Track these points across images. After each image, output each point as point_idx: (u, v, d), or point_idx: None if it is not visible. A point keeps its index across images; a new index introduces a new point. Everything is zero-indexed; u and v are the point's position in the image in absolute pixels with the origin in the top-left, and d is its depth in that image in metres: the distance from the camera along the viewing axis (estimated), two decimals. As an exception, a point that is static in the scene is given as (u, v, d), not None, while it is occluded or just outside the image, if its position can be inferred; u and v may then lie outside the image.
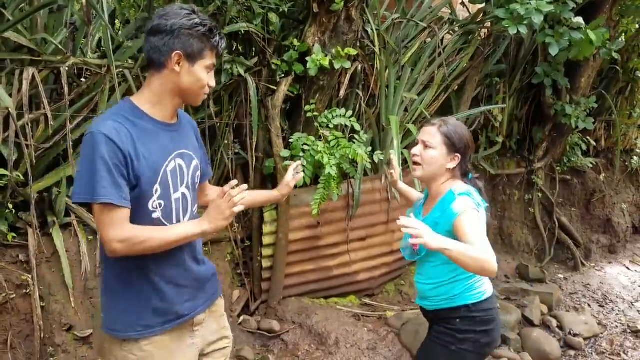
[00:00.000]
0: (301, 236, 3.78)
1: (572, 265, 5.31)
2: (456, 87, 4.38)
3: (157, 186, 1.71)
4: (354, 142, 3.48)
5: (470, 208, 2.00)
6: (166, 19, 1.68)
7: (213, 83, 1.80)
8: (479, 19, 4.26)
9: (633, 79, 5.44)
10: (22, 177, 2.76)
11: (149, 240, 1.64)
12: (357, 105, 3.83)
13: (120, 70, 2.99)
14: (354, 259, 4.02)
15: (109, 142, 1.59)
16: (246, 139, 3.56)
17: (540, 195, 5.27)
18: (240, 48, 3.53)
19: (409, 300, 4.29)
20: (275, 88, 3.51)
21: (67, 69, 2.69)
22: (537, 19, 3.54)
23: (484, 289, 2.21)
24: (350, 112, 3.54)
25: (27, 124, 2.66)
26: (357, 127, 3.53)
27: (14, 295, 2.81)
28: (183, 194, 1.82)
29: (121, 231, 1.60)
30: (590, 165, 5.51)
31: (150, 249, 1.66)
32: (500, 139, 4.81)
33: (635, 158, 5.86)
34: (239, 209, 1.70)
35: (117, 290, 1.78)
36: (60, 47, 2.79)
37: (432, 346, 2.26)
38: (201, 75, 1.73)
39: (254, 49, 3.56)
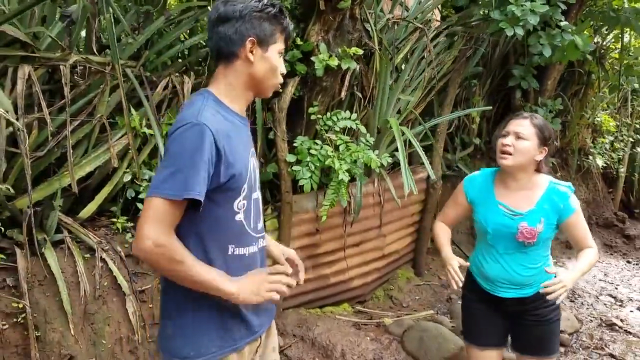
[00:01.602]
0: (300, 244, 3.61)
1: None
2: (438, 89, 4.39)
3: (245, 185, 1.57)
4: (359, 145, 3.36)
5: (578, 204, 2.27)
6: (233, 4, 1.55)
7: (284, 70, 1.66)
8: (465, 21, 4.28)
9: (588, 81, 5.75)
10: (12, 190, 2.39)
11: (182, 264, 1.43)
12: (355, 107, 3.71)
13: (122, 68, 2.67)
14: (350, 265, 3.91)
15: (207, 134, 1.43)
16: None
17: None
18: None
19: (400, 304, 4.24)
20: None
21: (69, 67, 2.34)
22: (533, 20, 3.61)
23: None
24: (355, 115, 3.42)
25: (22, 129, 2.29)
26: (363, 130, 3.42)
27: (6, 326, 2.43)
28: (259, 195, 1.69)
29: (164, 234, 1.40)
30: (550, 165, 5.75)
31: (173, 273, 1.45)
32: (476, 141, 4.89)
33: (591, 157, 6.22)
34: (275, 297, 1.57)
35: (187, 309, 1.57)
36: (59, 42, 2.43)
37: (545, 335, 2.36)
38: (276, 62, 1.60)
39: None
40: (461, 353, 3.56)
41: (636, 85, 6.10)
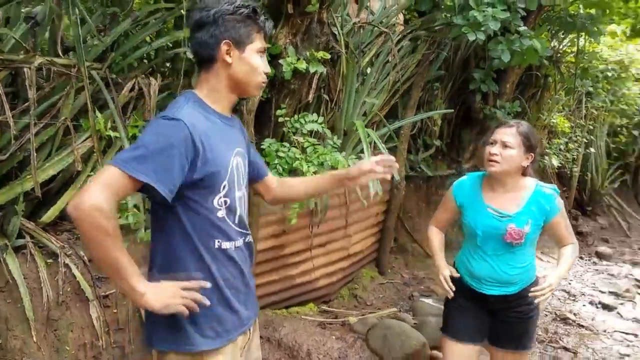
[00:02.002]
0: (266, 246, 3.63)
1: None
2: (402, 92, 4.48)
3: (225, 182, 1.60)
4: (326, 148, 3.40)
5: (563, 205, 2.40)
6: (207, 10, 1.60)
7: (268, 69, 1.70)
8: (428, 26, 4.37)
9: (545, 84, 5.95)
10: (-29, 195, 2.33)
11: (108, 238, 1.39)
12: (322, 110, 3.75)
13: (88, 70, 2.62)
14: (316, 265, 3.96)
15: (183, 129, 1.47)
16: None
17: (467, 194, 5.57)
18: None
19: (364, 303, 4.32)
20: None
21: (33, 69, 2.29)
22: (494, 26, 3.73)
23: None
24: (321, 118, 3.46)
25: (-18, 133, 2.24)
26: (329, 133, 3.46)
27: (-36, 335, 2.37)
28: (244, 194, 1.72)
29: (105, 201, 1.37)
30: (537, 168, 5.94)
31: (95, 243, 1.40)
32: (438, 142, 5.00)
33: (547, 158, 6.45)
34: (183, 310, 1.52)
35: None
36: (23, 44, 2.38)
37: (523, 332, 2.46)
38: (254, 61, 1.63)
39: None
40: (423, 349, 3.66)
41: (590, 88, 6.36)
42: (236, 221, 1.67)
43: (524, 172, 2.40)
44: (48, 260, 2.67)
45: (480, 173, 2.53)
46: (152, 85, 2.99)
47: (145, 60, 3.13)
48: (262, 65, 1.65)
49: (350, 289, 4.38)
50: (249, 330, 1.77)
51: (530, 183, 2.40)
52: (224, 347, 1.64)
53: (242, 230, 1.71)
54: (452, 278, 2.55)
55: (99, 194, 1.37)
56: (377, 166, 1.88)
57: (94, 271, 2.86)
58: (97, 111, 2.77)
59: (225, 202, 1.61)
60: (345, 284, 4.37)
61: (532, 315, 2.45)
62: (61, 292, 2.65)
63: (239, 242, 1.69)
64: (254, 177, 1.88)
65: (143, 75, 3.00)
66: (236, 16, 1.59)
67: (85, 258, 2.84)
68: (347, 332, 3.81)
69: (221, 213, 1.60)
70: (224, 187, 1.60)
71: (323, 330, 3.77)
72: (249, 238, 1.76)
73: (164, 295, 1.49)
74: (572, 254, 2.41)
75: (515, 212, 2.37)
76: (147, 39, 2.98)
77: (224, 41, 1.57)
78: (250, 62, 1.62)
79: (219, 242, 1.61)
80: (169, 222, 1.57)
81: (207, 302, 1.58)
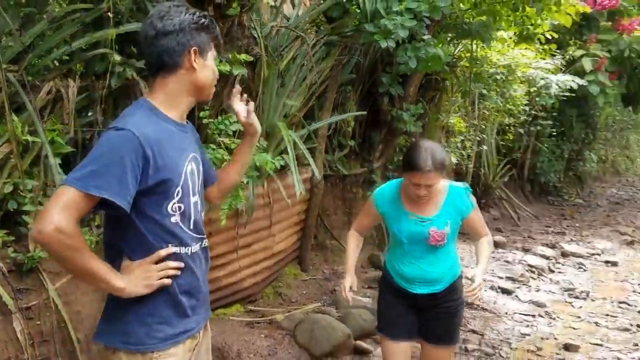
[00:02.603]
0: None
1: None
2: (318, 94, 4.64)
3: (178, 188, 1.64)
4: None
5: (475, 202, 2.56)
6: (170, 19, 1.65)
7: (217, 74, 1.79)
8: (340, 31, 4.57)
9: (442, 88, 6.41)
10: None
11: (79, 253, 1.48)
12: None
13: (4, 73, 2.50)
14: (241, 266, 4.00)
15: (133, 140, 1.51)
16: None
17: (379, 191, 5.87)
18: (134, 50, 3.22)
19: (289, 300, 4.42)
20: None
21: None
22: (403, 33, 3.99)
23: None
24: (245, 119, 3.51)
25: None
26: (254, 134, 3.52)
27: None
28: (198, 199, 1.75)
29: (68, 222, 1.44)
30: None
31: (68, 260, 1.49)
32: (351, 143, 5.23)
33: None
34: (167, 282, 1.63)
35: (131, 299, 1.61)
36: None
37: (450, 327, 2.60)
38: (214, 67, 1.74)
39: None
40: (348, 340, 3.83)
41: (484, 90, 6.93)
42: (191, 226, 1.70)
43: None
44: (-36, 274, 2.51)
45: (398, 180, 2.62)
46: (71, 88, 2.90)
47: (63, 62, 3.01)
48: (217, 71, 1.77)
49: (275, 287, 4.46)
50: (199, 333, 1.81)
51: (444, 185, 2.53)
52: (172, 348, 1.67)
53: (198, 236, 1.75)
54: (384, 277, 2.72)
55: (59, 217, 1.42)
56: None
57: (13, 282, 2.72)
58: (13, 115, 2.64)
59: (179, 207, 1.64)
60: (270, 283, 4.44)
61: (458, 310, 2.60)
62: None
63: (195, 247, 1.73)
64: (207, 181, 1.91)
65: (61, 77, 2.89)
66: (199, 25, 1.67)
67: (4, 269, 2.69)
68: (274, 329, 3.89)
69: (175, 219, 1.64)
70: (178, 193, 1.63)
71: (251, 330, 3.82)
72: (205, 243, 1.80)
73: (141, 279, 1.59)
74: (488, 246, 2.57)
75: (435, 215, 2.50)
76: (65, 40, 2.87)
77: (192, 48, 1.64)
78: (212, 67, 1.72)
79: (171, 246, 1.65)
80: (124, 230, 1.61)
81: (182, 264, 1.65)
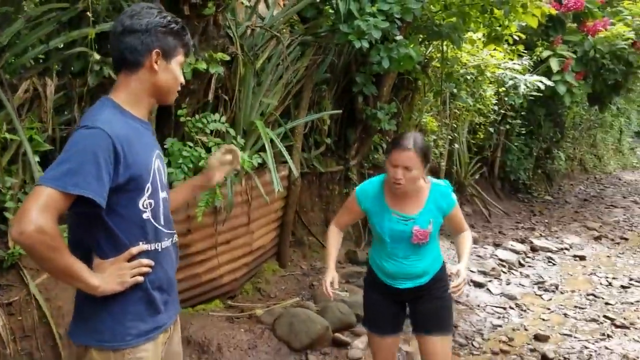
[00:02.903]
0: (171, 245, 3.65)
1: (380, 247, 6.15)
2: (294, 93, 4.72)
3: (148, 184, 1.68)
4: (231, 147, 3.53)
5: (455, 198, 2.58)
6: (139, 18, 1.69)
7: (183, 80, 1.82)
8: (314, 32, 4.66)
9: (415, 87, 6.55)
10: None
11: (58, 253, 1.51)
12: (221, 110, 3.86)
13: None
14: (220, 262, 4.04)
15: (104, 137, 1.55)
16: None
17: (354, 188, 5.97)
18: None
19: (268, 295, 4.48)
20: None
21: None
22: (376, 34, 4.10)
23: None
24: (223, 117, 3.58)
25: None
26: (232, 132, 3.59)
27: None
28: (167, 195, 1.80)
29: (48, 222, 1.46)
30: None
31: (47, 260, 1.51)
32: (328, 140, 5.33)
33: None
34: (139, 279, 1.67)
35: (103, 297, 1.63)
36: None
37: (440, 311, 2.60)
38: (177, 72, 1.76)
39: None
40: (327, 332, 3.92)
41: (455, 90, 7.10)
42: (162, 222, 1.74)
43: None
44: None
45: (381, 177, 2.58)
46: (48, 86, 2.92)
47: (35, 61, 3.03)
48: (180, 77, 1.79)
49: (254, 283, 4.52)
50: (170, 327, 1.86)
51: (427, 183, 2.53)
52: (145, 344, 1.71)
53: (169, 231, 1.79)
54: (368, 273, 2.73)
55: (38, 217, 1.44)
56: (224, 157, 2.08)
57: (-6, 280, 2.74)
58: (-8, 112, 2.66)
59: (150, 204, 1.69)
60: (249, 279, 4.50)
61: (444, 296, 2.59)
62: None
63: (166, 242, 1.77)
64: None
65: (38, 76, 2.92)
66: (167, 29, 1.71)
67: (-16, 267, 2.71)
68: (254, 324, 3.96)
69: (146, 215, 1.68)
70: (148, 189, 1.67)
71: (231, 325, 3.88)
72: (175, 238, 1.85)
73: (114, 277, 1.62)
74: (468, 241, 2.62)
75: (417, 213, 2.48)
76: (41, 39, 2.90)
77: (155, 50, 1.68)
78: (174, 72, 1.75)
79: (143, 243, 1.68)
80: (93, 228, 1.63)
81: (152, 262, 1.69)
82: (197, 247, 3.82)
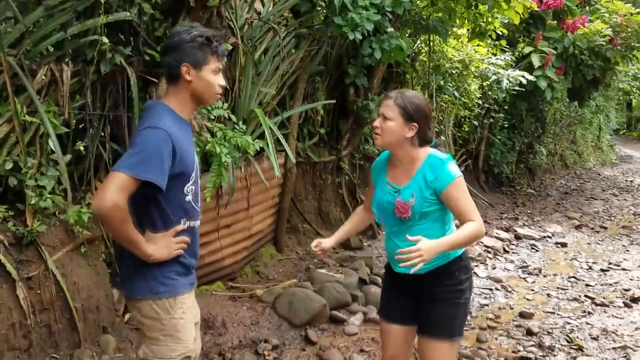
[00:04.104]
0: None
1: (371, 234, 6.35)
2: (289, 84, 4.92)
3: (193, 174, 2.07)
4: (234, 132, 3.71)
5: (458, 172, 2.26)
6: (171, 38, 2.06)
7: (223, 82, 2.13)
8: (309, 24, 4.86)
9: (404, 80, 6.78)
10: None
11: (126, 226, 1.92)
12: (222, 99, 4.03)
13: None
14: (222, 245, 4.22)
15: (167, 137, 1.91)
16: (121, 132, 3.47)
17: (346, 178, 6.19)
18: (122, 38, 3.41)
19: (266, 278, 4.67)
20: (152, 79, 3.50)
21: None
22: (369, 26, 4.32)
23: None
24: (225, 105, 3.76)
25: None
26: (234, 118, 3.77)
27: None
28: (199, 183, 2.17)
29: (122, 201, 1.85)
30: (377, 152, 6.65)
31: (118, 230, 1.92)
32: (321, 130, 5.53)
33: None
34: (181, 252, 2.06)
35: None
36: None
37: (441, 315, 2.33)
38: (210, 79, 2.05)
39: (131, 38, 3.48)
40: (324, 309, 4.12)
41: (441, 82, 7.34)
42: (198, 203, 2.15)
43: (420, 143, 2.34)
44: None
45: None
46: (65, 72, 3.08)
47: (57, 48, 3.18)
48: (216, 81, 2.07)
49: (253, 266, 4.71)
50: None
51: (424, 153, 2.33)
52: (186, 294, 2.12)
53: (200, 211, 2.20)
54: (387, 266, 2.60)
55: (115, 195, 1.83)
56: None
57: (15, 254, 2.88)
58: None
59: (192, 189, 2.07)
60: (248, 262, 4.68)
61: (448, 298, 2.31)
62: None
63: (198, 221, 2.18)
64: None
65: (55, 62, 3.07)
66: (194, 44, 1.99)
67: (6, 242, 2.86)
68: (255, 302, 4.14)
69: (189, 198, 2.07)
70: (192, 178, 2.06)
71: (234, 303, 4.06)
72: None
73: (164, 248, 2.01)
74: (466, 228, 2.18)
75: (404, 185, 2.33)
76: (58, 27, 3.05)
77: (184, 64, 1.99)
78: (207, 79, 2.04)
79: (185, 220, 2.07)
80: (152, 208, 2.01)
81: (188, 240, 2.09)
82: (200, 229, 3.96)
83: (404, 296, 2.47)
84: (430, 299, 2.36)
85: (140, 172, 1.85)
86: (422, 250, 2.03)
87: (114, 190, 1.83)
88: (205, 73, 2.02)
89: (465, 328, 4.40)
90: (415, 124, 2.30)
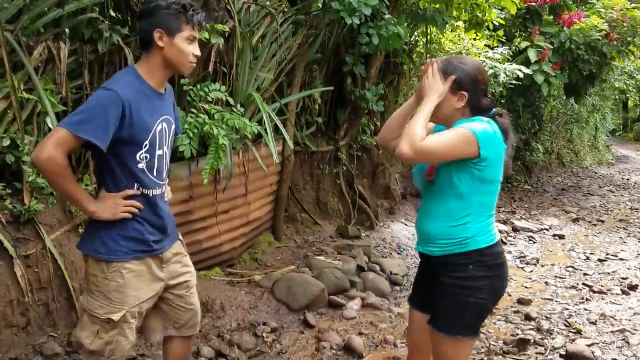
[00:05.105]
0: (175, 211, 3.74)
1: (369, 225, 6.34)
2: (287, 71, 4.91)
3: (147, 142, 2.05)
4: (232, 114, 3.70)
5: (467, 126, 1.99)
6: (147, 5, 2.05)
7: (198, 52, 2.12)
8: (306, 11, 4.86)
9: (400, 71, 6.79)
10: None
11: (64, 179, 1.95)
12: (219, 82, 4.02)
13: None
14: (220, 231, 4.21)
15: (117, 99, 1.92)
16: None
17: (344, 168, 6.18)
18: (119, 17, 3.41)
19: (265, 265, 4.66)
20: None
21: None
22: (366, 11, 4.33)
23: (495, 231, 2.13)
24: (223, 87, 3.75)
25: None
26: (232, 101, 3.76)
27: None
28: (164, 152, 2.15)
29: (59, 155, 1.88)
30: (374, 143, 6.63)
31: (56, 183, 1.98)
32: (320, 120, 5.52)
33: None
34: (128, 215, 2.05)
35: (109, 222, 2.04)
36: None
37: (447, 305, 2.10)
38: (182, 46, 2.04)
39: (128, 18, 3.47)
40: (322, 294, 4.12)
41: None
42: (154, 173, 2.12)
43: (465, 115, 2.13)
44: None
45: None
46: (62, 49, 3.07)
47: (54, 25, 3.17)
48: (190, 49, 2.06)
49: (251, 253, 4.69)
50: (161, 255, 2.19)
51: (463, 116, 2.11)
52: (131, 261, 2.09)
53: (159, 182, 2.16)
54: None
55: (52, 149, 1.86)
56: None
57: (12, 232, 2.87)
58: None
59: (146, 157, 2.06)
60: (246, 249, 4.67)
61: (456, 293, 2.06)
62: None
63: (157, 190, 2.15)
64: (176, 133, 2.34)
65: (52, 39, 3.06)
66: (170, 10, 2.00)
67: (3, 220, 2.84)
68: (254, 287, 4.13)
69: (141, 165, 2.06)
70: (145, 145, 2.04)
71: (232, 287, 4.05)
72: (164, 188, 2.22)
73: (110, 208, 2.03)
74: (422, 119, 2.00)
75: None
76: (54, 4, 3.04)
77: (157, 30, 1.99)
78: (179, 47, 2.03)
79: (137, 186, 2.07)
80: (105, 167, 2.05)
81: (141, 206, 2.08)
82: (198, 214, 3.98)
83: (426, 283, 2.25)
84: (439, 288, 2.12)
85: (80, 130, 1.87)
86: (433, 84, 2.04)
87: (52, 144, 1.86)
88: (179, 40, 2.02)
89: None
90: (465, 93, 2.07)
